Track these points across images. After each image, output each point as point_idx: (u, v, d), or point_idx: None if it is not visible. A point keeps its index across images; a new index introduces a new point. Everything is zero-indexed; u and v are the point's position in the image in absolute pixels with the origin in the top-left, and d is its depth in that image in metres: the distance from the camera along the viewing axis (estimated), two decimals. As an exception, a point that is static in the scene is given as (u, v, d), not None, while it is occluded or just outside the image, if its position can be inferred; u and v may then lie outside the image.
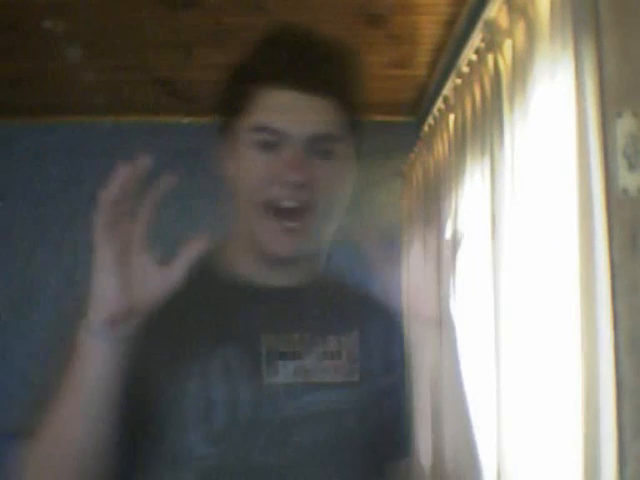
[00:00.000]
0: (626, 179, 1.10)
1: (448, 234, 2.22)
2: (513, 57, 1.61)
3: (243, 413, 1.04)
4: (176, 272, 0.94)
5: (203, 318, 1.09)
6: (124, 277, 0.91)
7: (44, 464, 1.00)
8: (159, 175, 0.94)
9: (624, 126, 1.10)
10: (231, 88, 1.10)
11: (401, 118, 3.40)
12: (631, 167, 1.09)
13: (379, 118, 3.28)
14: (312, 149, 1.04)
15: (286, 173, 1.02)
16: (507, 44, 1.67)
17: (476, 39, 2.03)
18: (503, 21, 1.69)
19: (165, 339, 1.07)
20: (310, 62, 1.06)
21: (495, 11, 1.78)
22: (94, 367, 0.95)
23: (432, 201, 2.52)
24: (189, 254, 0.93)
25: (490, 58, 1.78)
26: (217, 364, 1.05)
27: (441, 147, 2.50)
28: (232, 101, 1.09)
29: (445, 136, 2.44)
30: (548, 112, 1.40)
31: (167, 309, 1.06)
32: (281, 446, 1.03)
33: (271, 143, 1.04)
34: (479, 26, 1.98)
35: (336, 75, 1.08)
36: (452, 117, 2.33)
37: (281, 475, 1.03)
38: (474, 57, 2.00)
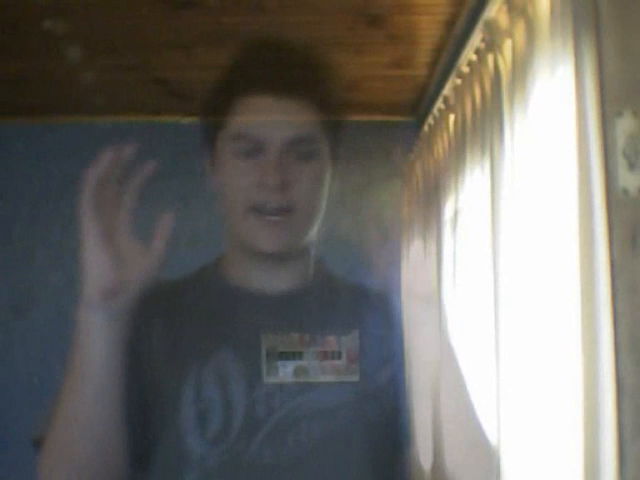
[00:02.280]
0: (626, 179, 1.10)
1: (448, 234, 2.22)
2: (513, 57, 1.61)
3: (239, 414, 1.05)
4: (158, 247, 0.99)
5: (198, 324, 1.11)
6: (111, 254, 0.96)
7: (58, 463, 1.02)
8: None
9: (624, 126, 1.10)
10: (210, 99, 1.14)
11: (401, 118, 3.40)
12: (631, 167, 1.10)
13: (379, 118, 3.28)
14: (291, 152, 1.07)
15: (266, 177, 1.06)
16: (507, 44, 1.67)
17: (476, 39, 2.03)
18: (503, 21, 1.69)
19: (162, 344, 1.09)
20: (284, 68, 1.10)
21: (495, 11, 1.78)
22: (94, 344, 0.98)
23: (432, 201, 2.52)
24: (164, 231, 0.98)
25: (490, 58, 1.78)
26: (211, 368, 1.06)
27: (441, 147, 2.50)
28: (212, 112, 1.12)
29: (445, 136, 2.44)
30: (548, 112, 1.40)
31: (164, 314, 1.09)
32: (278, 445, 1.04)
33: (251, 149, 1.07)
34: (479, 26, 1.98)
35: (310, 79, 1.11)
36: (452, 117, 2.34)
37: (280, 473, 1.04)
38: (474, 57, 2.00)
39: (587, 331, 1.14)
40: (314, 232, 1.14)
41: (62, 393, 1.00)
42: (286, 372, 1.07)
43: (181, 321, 1.11)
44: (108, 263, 0.96)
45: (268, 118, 1.08)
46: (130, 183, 0.98)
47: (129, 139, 0.96)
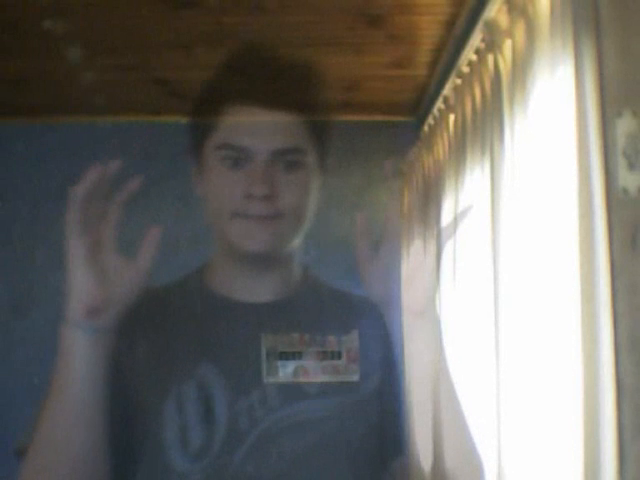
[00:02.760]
0: (626, 179, 1.10)
1: (448, 233, 2.22)
2: (513, 57, 1.61)
3: (221, 428, 1.05)
4: (143, 263, 1.00)
5: (181, 336, 1.11)
6: (97, 270, 0.96)
7: (38, 475, 1.02)
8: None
9: (624, 126, 1.10)
10: (197, 107, 1.14)
11: (401, 118, 3.40)
12: (631, 167, 1.09)
13: (379, 118, 3.28)
14: (277, 162, 1.07)
15: (252, 187, 1.06)
16: (507, 44, 1.67)
17: (476, 39, 2.03)
18: (503, 21, 1.69)
19: (144, 357, 1.08)
20: (271, 79, 1.09)
21: (495, 11, 1.77)
22: (77, 360, 0.98)
23: (432, 201, 2.52)
24: (150, 245, 0.99)
25: (490, 58, 1.78)
26: (193, 381, 1.06)
27: (441, 147, 2.50)
28: (199, 120, 1.13)
29: (445, 136, 2.44)
30: (548, 112, 1.40)
31: (147, 325, 1.09)
32: (262, 458, 1.04)
33: (237, 159, 1.07)
34: (479, 26, 1.98)
35: (298, 90, 1.11)
36: (452, 117, 2.33)
37: None
38: (474, 57, 1.99)
39: (587, 331, 1.14)
40: (299, 239, 1.14)
41: (44, 406, 1.00)
42: (286, 372, 1.07)
43: (164, 333, 1.11)
44: (93, 281, 0.97)
45: (255, 128, 1.08)
46: (116, 199, 0.98)
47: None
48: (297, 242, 1.14)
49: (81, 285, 0.97)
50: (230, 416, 1.05)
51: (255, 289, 1.12)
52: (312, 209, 1.12)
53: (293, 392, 1.07)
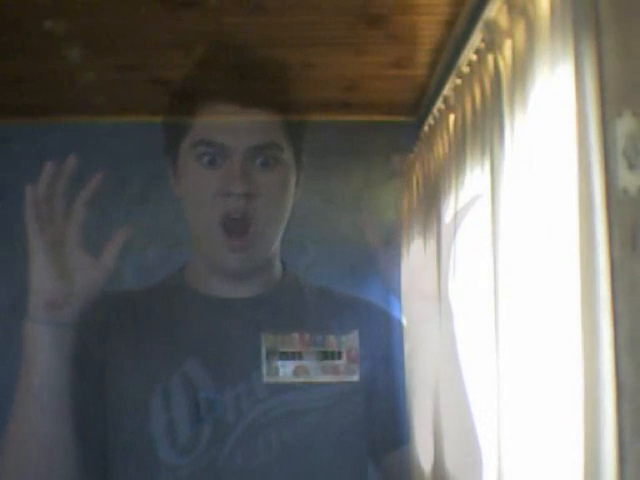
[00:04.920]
0: (626, 179, 1.10)
1: (448, 233, 2.22)
2: (513, 57, 1.61)
3: (208, 421, 1.05)
4: (107, 261, 1.02)
5: (165, 333, 1.11)
6: (58, 266, 0.97)
7: (11, 472, 1.02)
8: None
9: (624, 126, 1.10)
10: (172, 107, 1.15)
11: (401, 118, 3.40)
12: (631, 167, 1.09)
13: (379, 118, 3.28)
14: (254, 159, 1.07)
15: (229, 185, 1.06)
16: (507, 44, 1.67)
17: (476, 39, 2.03)
18: (503, 21, 1.69)
19: (128, 354, 1.09)
20: (246, 76, 1.10)
21: (495, 11, 1.77)
22: (39, 354, 1.00)
23: (432, 201, 2.52)
24: (116, 244, 1.00)
25: (490, 58, 1.78)
26: (179, 375, 1.07)
27: (441, 147, 2.50)
28: (174, 120, 1.14)
29: (445, 136, 2.44)
30: (548, 112, 1.40)
31: (129, 324, 1.10)
32: (250, 449, 1.05)
33: (213, 157, 1.07)
34: (479, 26, 1.98)
35: (272, 87, 1.12)
36: (452, 117, 2.33)
37: (253, 478, 1.05)
38: (474, 57, 1.99)
39: (587, 331, 1.14)
40: (279, 240, 1.15)
41: (14, 402, 1.01)
42: (286, 372, 1.07)
43: (148, 331, 1.11)
44: (52, 277, 0.97)
45: (231, 125, 1.08)
46: (78, 196, 0.99)
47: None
48: (277, 242, 1.14)
49: (41, 280, 0.98)
50: (217, 408, 1.05)
51: (236, 287, 1.13)
52: (290, 206, 1.13)
53: (280, 383, 1.07)
